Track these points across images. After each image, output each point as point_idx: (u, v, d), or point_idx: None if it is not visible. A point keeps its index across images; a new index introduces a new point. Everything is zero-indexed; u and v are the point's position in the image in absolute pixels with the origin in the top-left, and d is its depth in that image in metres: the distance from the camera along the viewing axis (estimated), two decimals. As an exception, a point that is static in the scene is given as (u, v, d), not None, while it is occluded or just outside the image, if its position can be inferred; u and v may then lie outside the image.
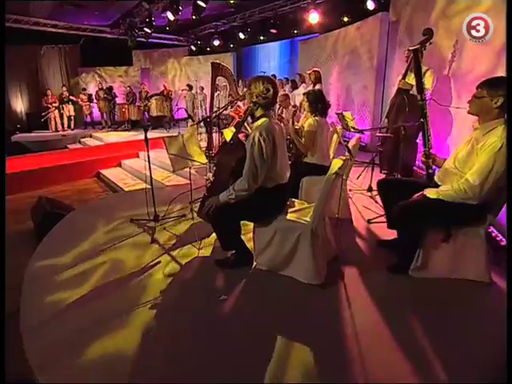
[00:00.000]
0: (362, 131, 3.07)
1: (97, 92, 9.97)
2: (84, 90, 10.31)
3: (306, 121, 3.84)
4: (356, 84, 6.14)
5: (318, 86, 5.31)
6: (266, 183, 1.98)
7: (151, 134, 8.13)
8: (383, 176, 3.97)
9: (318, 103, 2.85)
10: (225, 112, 6.32)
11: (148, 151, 2.73)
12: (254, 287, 2.05)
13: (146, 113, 9.65)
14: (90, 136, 8.76)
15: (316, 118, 2.86)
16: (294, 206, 2.25)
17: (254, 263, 2.22)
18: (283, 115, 4.39)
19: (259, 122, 1.97)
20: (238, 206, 2.00)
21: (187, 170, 4.95)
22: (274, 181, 2.03)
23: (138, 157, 6.20)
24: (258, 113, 1.99)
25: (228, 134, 3.11)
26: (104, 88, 10.02)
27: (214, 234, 2.65)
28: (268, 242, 2.09)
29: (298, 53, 8.11)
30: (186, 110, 7.63)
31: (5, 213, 2.57)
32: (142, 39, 9.54)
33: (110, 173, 5.63)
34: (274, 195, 2.06)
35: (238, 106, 5.91)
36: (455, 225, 1.92)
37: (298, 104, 5.41)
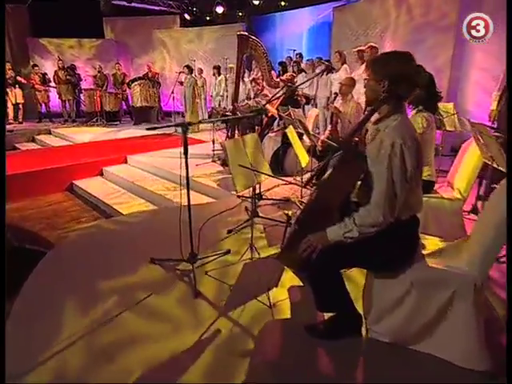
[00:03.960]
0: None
1: (56, 72, 9.73)
2: (35, 67, 9.99)
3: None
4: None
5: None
6: (401, 213, 1.73)
7: (134, 132, 8.06)
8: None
9: (427, 92, 2.63)
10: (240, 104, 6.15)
11: (187, 159, 2.45)
12: (379, 373, 1.77)
13: (123, 102, 9.46)
14: (49, 132, 8.49)
15: (424, 113, 2.63)
16: (425, 246, 2.00)
17: (364, 330, 1.97)
18: (341, 108, 4.17)
19: (393, 121, 1.72)
20: (356, 247, 1.74)
21: (200, 180, 4.82)
22: (410, 209, 1.78)
23: (126, 162, 5.94)
24: (387, 108, 1.75)
25: (292, 134, 2.87)
26: (65, 67, 9.77)
27: (283, 280, 2.47)
28: (397, 301, 1.83)
29: (331, 23, 8.02)
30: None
31: (4, 214, 2.40)
32: (121, 2, 9.38)
33: (89, 185, 5.33)
34: (409, 231, 1.82)
35: (264, 95, 5.74)
36: None
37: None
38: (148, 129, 2.50)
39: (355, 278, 2.36)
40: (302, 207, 2.33)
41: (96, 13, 9.86)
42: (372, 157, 1.73)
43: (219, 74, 9.25)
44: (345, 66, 5.94)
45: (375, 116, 1.83)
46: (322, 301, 1.94)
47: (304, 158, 2.95)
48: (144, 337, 2.00)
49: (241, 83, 8.63)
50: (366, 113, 1.83)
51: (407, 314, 1.82)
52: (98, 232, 3.36)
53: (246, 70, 8.75)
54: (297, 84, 4.81)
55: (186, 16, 10.59)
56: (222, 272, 2.62)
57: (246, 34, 4.73)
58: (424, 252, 1.94)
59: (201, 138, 7.11)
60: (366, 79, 1.83)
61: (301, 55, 8.06)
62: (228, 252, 2.85)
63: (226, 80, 8.59)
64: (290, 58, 8.42)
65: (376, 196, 1.68)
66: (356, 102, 4.18)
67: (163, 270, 2.64)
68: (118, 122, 9.15)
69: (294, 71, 7.78)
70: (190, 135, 7.50)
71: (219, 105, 9.18)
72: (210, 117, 9.81)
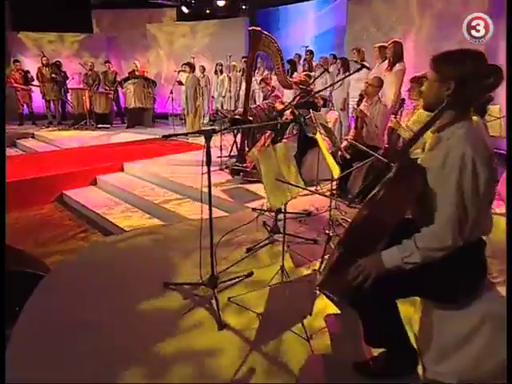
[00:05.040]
0: None
1: (39, 70, 9.65)
2: (16, 62, 9.91)
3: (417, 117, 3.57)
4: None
5: (398, 67, 5.15)
6: (471, 235, 1.65)
7: (128, 136, 7.96)
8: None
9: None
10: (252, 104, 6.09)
11: (209, 171, 2.37)
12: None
13: (114, 103, 9.40)
14: (32, 136, 8.41)
15: (474, 117, 2.55)
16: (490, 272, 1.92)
17: (420, 369, 1.88)
18: (365, 110, 4.11)
19: (458, 128, 1.64)
20: (416, 273, 1.65)
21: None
22: (480, 230, 1.70)
23: (123, 170, 5.87)
24: (451, 114, 1.67)
25: (321, 141, 2.80)
26: (50, 64, 9.70)
27: (317, 307, 2.39)
28: (464, 338, 1.74)
29: (346, 18, 8.01)
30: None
31: (5, 215, 2.50)
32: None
33: (82, 195, 5.23)
34: (477, 254, 1.73)
35: (276, 96, 5.71)
36: None
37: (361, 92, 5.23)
38: (165, 136, 2.39)
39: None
40: (336, 224, 2.23)
41: (84, 5, 9.82)
42: (435, 170, 1.65)
43: (221, 73, 9.22)
44: (364, 63, 5.90)
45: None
46: (373, 334, 1.85)
47: (335, 169, 2.89)
48: (165, 378, 1.89)
49: (243, 82, 8.66)
50: (427, 119, 1.75)
51: (476, 352, 1.72)
52: (100, 252, 3.26)
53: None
54: (326, 86, 4.72)
55: (184, 9, 10.58)
56: (246, 298, 2.52)
57: (259, 29, 4.68)
58: (494, 278, 1.86)
59: (202, 143, 7.01)
60: (420, 78, 1.78)
61: (311, 52, 8.04)
62: (250, 274, 2.75)
63: (230, 79, 8.55)
64: (299, 55, 8.41)
65: (443, 215, 1.59)
66: (383, 104, 4.13)
67: (179, 296, 2.54)
68: (109, 126, 9.09)
69: (304, 70, 7.77)
70: (190, 140, 7.47)
71: (222, 106, 9.14)
72: (211, 120, 9.77)
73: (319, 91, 4.20)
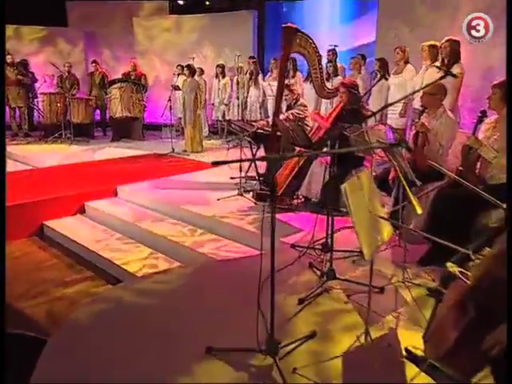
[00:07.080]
0: None
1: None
2: None
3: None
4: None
5: (456, 69, 5.15)
6: None
7: (114, 151, 7.81)
8: None
9: None
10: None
11: (274, 206, 2.19)
12: None
13: (100, 111, 9.30)
14: (-4, 152, 8.25)
15: None
16: None
17: None
18: (426, 123, 4.00)
19: None
20: None
21: (228, 221, 4.52)
22: None
23: (116, 195, 5.75)
24: None
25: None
26: (15, 63, 9.57)
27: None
28: None
29: (377, 11, 8.01)
30: None
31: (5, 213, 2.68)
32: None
33: (67, 227, 5.06)
34: None
35: (303, 106, 5.64)
36: None
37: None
38: (214, 163, 2.17)
39: None
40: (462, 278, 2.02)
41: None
42: None
43: (223, 76, 9.17)
44: (409, 65, 5.92)
45: None
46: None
47: (417, 204, 2.75)
48: None
49: (252, 87, 8.64)
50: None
51: None
52: (108, 306, 3.05)
53: (260, 72, 8.72)
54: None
55: (179, 0, 10.64)
56: (315, 367, 2.34)
57: (295, 26, 4.64)
58: None
59: (204, 161, 6.92)
60: None
61: (335, 53, 8.00)
62: (313, 335, 2.59)
63: (238, 83, 8.50)
64: (320, 55, 8.40)
65: None
66: (450, 117, 4.02)
67: (228, 367, 2.34)
68: (89, 139, 9.01)
69: (327, 73, 7.74)
70: (190, 156, 7.36)
71: (223, 115, 9.08)
72: (211, 132, 9.68)
73: (389, 105, 4.06)
